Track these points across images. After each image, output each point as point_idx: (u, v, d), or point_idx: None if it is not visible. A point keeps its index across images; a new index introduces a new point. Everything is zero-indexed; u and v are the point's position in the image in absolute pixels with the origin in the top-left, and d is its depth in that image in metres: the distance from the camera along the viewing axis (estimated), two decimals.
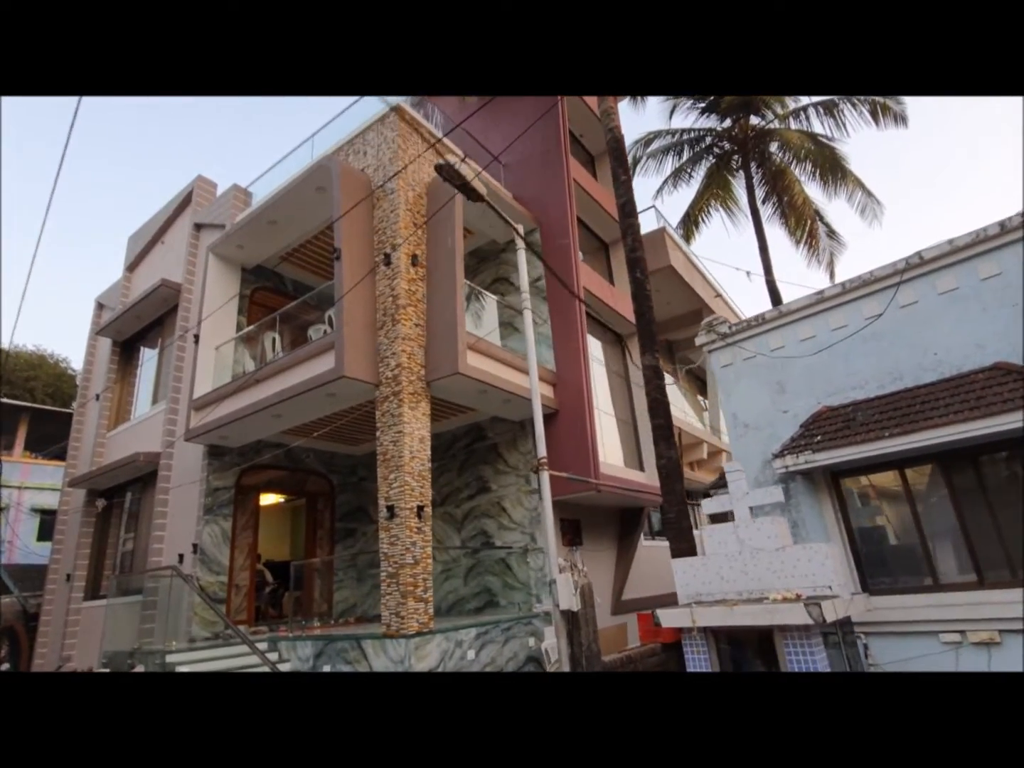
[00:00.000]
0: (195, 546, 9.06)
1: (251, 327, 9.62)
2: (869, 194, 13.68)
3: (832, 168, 13.73)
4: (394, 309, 7.61)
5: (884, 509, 6.08)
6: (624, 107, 14.22)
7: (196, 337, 9.75)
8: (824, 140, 13.38)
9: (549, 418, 9.33)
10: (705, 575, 5.00)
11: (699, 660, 4.61)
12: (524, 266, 6.19)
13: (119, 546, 11.40)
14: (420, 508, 6.89)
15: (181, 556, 9.29)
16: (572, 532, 9.70)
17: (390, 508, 6.82)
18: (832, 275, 13.88)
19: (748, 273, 10.56)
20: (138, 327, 12.60)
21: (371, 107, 9.43)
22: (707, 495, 7.59)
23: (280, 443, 10.10)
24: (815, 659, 4.07)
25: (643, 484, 10.38)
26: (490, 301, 9.54)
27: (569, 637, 4.98)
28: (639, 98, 14.08)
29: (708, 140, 14.91)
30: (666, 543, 13.15)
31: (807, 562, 4.52)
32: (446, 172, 5.68)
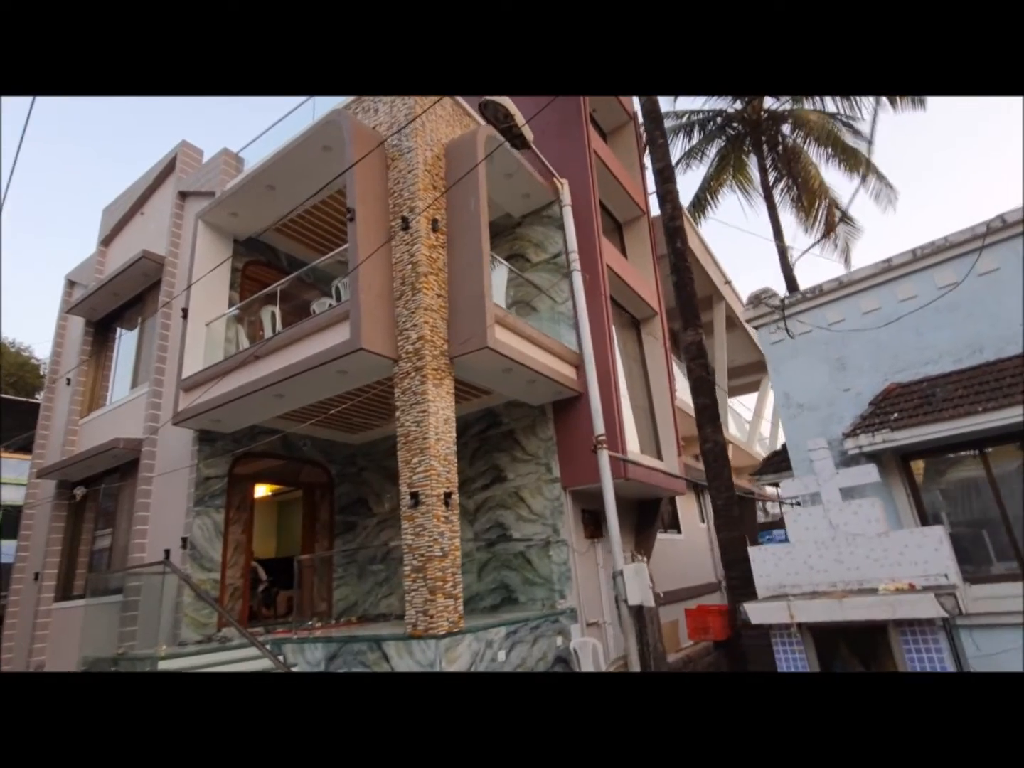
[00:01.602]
0: (185, 540, 8.22)
1: (249, 299, 8.78)
2: (882, 179, 13.41)
3: (846, 151, 13.42)
4: (414, 277, 6.91)
5: (960, 492, 5.63)
6: None
7: (184, 312, 8.88)
8: (842, 120, 13.01)
9: (572, 401, 8.72)
10: (790, 564, 4.45)
11: (793, 659, 4.05)
12: (571, 223, 5.56)
13: (94, 542, 10.44)
14: (448, 495, 6.21)
15: (167, 552, 8.42)
16: (593, 524, 9.11)
17: (414, 495, 6.13)
18: (847, 261, 13.57)
19: (789, 248, 10.05)
20: (115, 305, 11.61)
21: None
22: (758, 474, 7.08)
23: (276, 429, 9.29)
24: (941, 656, 3.55)
25: (663, 472, 9.86)
26: (502, 270, 8.82)
27: (638, 635, 4.38)
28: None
29: (719, 121, 14.47)
30: (680, 536, 12.75)
31: (917, 548, 4.00)
32: (491, 111, 5.02)
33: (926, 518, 5.56)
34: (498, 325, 7.06)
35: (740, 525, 6.53)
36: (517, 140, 5.24)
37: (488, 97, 4.92)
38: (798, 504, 5.07)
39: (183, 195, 10.94)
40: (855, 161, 13.43)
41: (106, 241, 12.71)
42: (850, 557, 4.21)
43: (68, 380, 11.95)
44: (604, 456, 4.80)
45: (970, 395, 5.10)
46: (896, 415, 5.38)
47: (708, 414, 6.62)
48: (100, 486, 10.48)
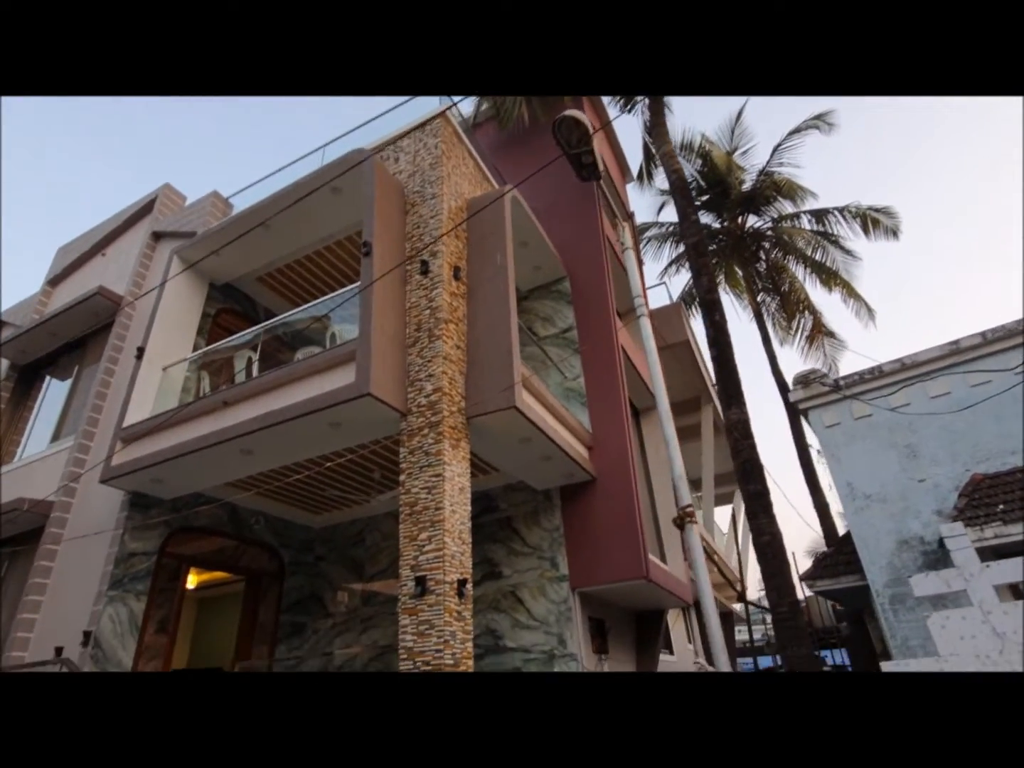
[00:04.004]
0: (87, 635, 6.31)
1: (223, 341, 7.60)
2: (859, 298, 13.95)
3: (823, 269, 14.03)
4: (432, 323, 6.04)
5: None
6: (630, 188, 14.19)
7: (140, 351, 7.58)
8: (827, 238, 13.67)
9: (584, 487, 7.71)
10: None
11: None
12: (634, 265, 4.95)
13: None
14: (462, 583, 4.92)
15: (59, 650, 6.45)
16: (599, 636, 7.75)
17: (420, 581, 4.80)
18: (835, 372, 13.67)
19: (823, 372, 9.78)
20: (50, 347, 10.06)
21: (390, 125, 8.39)
22: (809, 578, 6.13)
23: (223, 500, 7.75)
24: None
25: (673, 577, 8.72)
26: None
27: None
28: (644, 182, 14.12)
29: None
30: (673, 657, 11.27)
31: None
32: (564, 132, 4.49)
33: None
34: (523, 387, 6.17)
35: (807, 640, 5.45)
36: (586, 170, 4.70)
37: (567, 112, 4.40)
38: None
39: (157, 236, 9.96)
40: (833, 279, 14.01)
41: (54, 281, 11.36)
42: None
43: None
44: (694, 534, 3.78)
45: None
46: (1002, 506, 4.67)
47: (761, 502, 5.76)
48: None
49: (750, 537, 19.23)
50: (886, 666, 3.63)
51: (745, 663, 23.65)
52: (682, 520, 3.81)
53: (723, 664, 3.39)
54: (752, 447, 6.04)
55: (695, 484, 15.65)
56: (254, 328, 7.24)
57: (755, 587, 22.50)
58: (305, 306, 7.03)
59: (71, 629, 6.56)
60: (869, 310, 13.83)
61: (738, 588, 12.43)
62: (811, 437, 6.48)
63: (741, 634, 21.70)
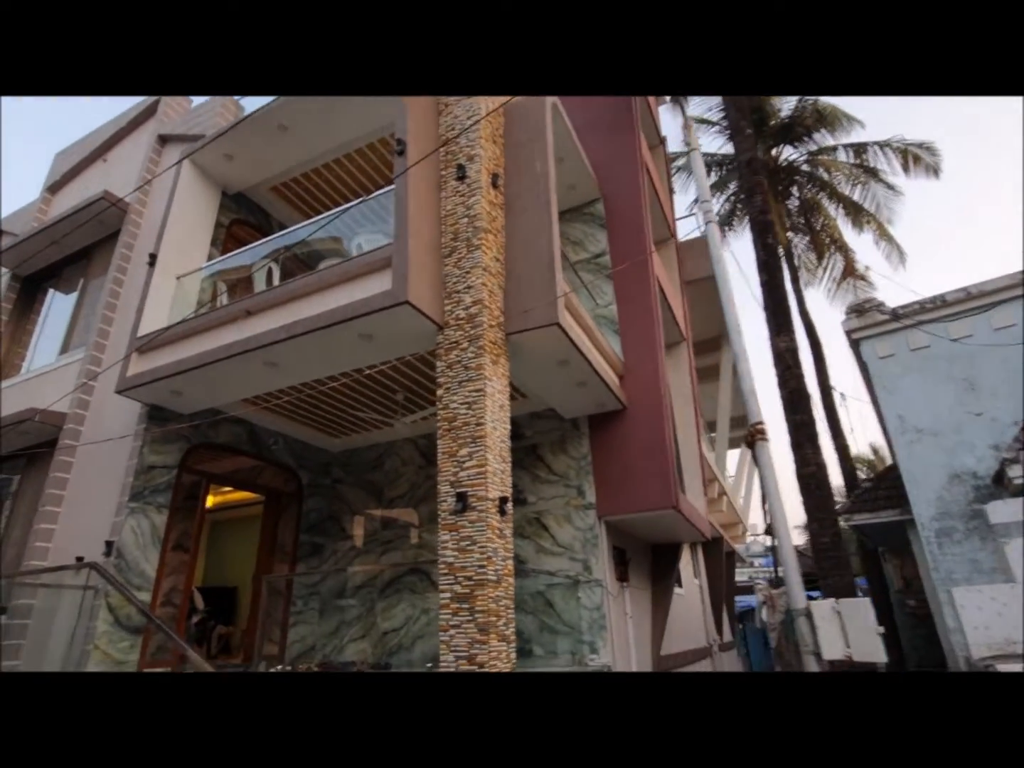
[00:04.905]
0: (109, 545, 6.22)
1: (243, 248, 7.19)
2: (891, 240, 13.44)
3: (859, 210, 13.45)
4: (471, 232, 5.64)
5: None
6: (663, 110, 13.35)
7: (152, 258, 7.17)
8: (869, 173, 13.02)
9: (613, 416, 7.51)
10: (1019, 612, 3.28)
11: None
12: (702, 169, 4.53)
13: None
14: (504, 501, 4.75)
15: (80, 559, 6.38)
16: (622, 565, 7.75)
17: (461, 497, 4.63)
18: None
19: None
20: (53, 258, 9.59)
21: None
22: (846, 512, 6.02)
23: (241, 419, 7.57)
24: None
25: (695, 511, 8.68)
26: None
27: None
28: (678, 105, 13.28)
29: (734, 164, 14.33)
30: (681, 590, 11.46)
31: None
32: None
33: None
34: (563, 306, 5.84)
35: (849, 569, 5.37)
36: None
37: None
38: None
39: (163, 139, 9.32)
40: (866, 218, 13.45)
41: (53, 188, 10.76)
42: None
43: None
44: (766, 452, 3.56)
45: None
46: None
47: (807, 432, 5.57)
48: None
49: (756, 476, 19.20)
50: (957, 592, 3.51)
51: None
52: (752, 438, 3.59)
53: (795, 583, 3.24)
54: (800, 377, 5.79)
55: (710, 426, 15.57)
56: (277, 234, 6.82)
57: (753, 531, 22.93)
58: (333, 211, 6.55)
59: (91, 540, 6.47)
60: (900, 252, 13.35)
61: (746, 526, 12.52)
62: (834, 380, 6.21)
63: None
